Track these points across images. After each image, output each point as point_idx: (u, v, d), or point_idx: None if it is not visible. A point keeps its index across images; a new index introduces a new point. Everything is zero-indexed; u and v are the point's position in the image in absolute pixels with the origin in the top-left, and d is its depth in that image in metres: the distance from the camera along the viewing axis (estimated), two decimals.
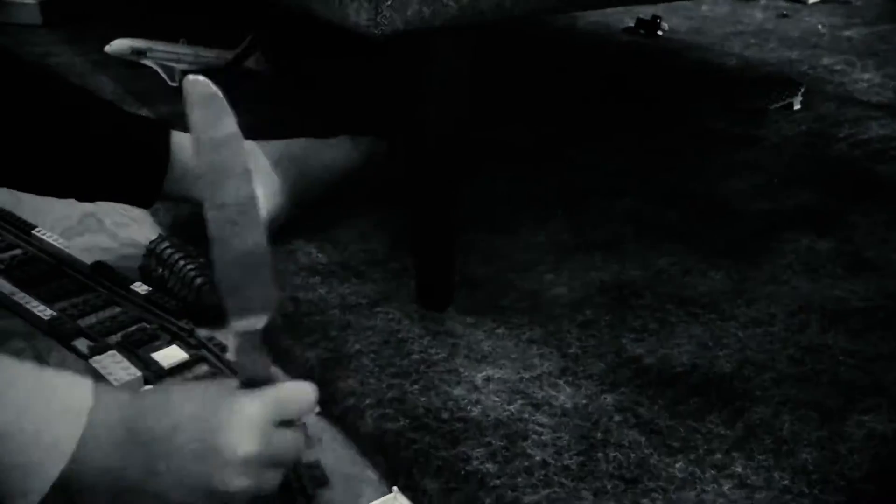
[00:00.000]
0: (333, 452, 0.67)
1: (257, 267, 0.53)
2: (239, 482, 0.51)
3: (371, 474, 0.66)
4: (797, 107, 1.37)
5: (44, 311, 0.80)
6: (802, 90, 1.40)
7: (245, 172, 0.52)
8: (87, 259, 0.89)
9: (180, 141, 0.87)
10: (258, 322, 0.53)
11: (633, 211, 1.02)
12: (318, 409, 0.71)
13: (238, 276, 0.53)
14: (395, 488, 0.60)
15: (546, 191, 1.07)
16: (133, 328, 0.79)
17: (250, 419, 0.52)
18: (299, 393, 0.55)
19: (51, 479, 0.48)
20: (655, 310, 0.83)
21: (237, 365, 0.56)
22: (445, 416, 0.68)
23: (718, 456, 0.65)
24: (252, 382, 0.55)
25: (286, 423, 0.54)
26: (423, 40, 0.71)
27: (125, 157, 0.85)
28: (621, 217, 1.01)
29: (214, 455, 0.51)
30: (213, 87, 0.50)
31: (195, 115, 0.50)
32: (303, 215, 0.98)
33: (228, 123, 0.51)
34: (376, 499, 0.63)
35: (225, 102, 0.50)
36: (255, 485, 0.52)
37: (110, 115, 0.88)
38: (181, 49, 1.47)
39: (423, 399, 0.70)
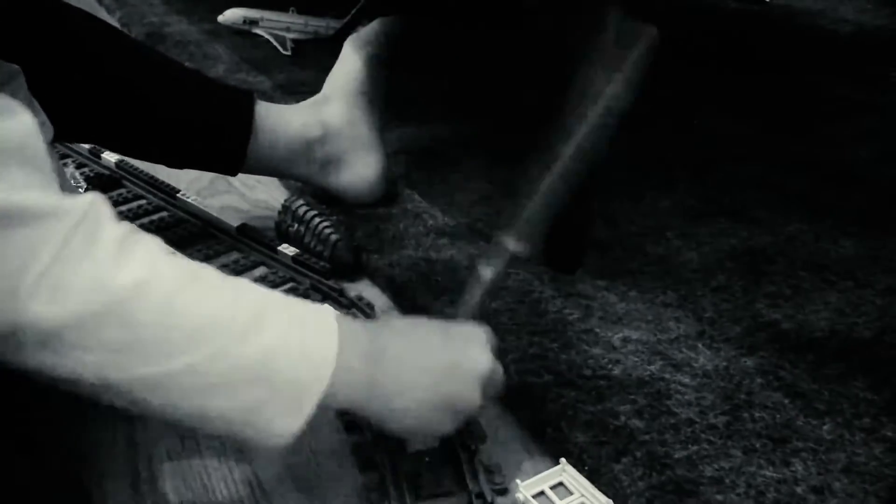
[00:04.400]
0: None
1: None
2: (476, 396, 0.56)
3: (519, 431, 0.68)
4: None
5: None
6: None
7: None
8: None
9: (265, 112, 0.87)
10: (521, 247, 0.63)
11: (758, 178, 1.01)
12: None
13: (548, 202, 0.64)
14: (563, 460, 0.62)
15: (668, 156, 1.07)
16: (285, 287, 0.82)
17: (485, 342, 0.58)
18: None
19: (318, 393, 0.49)
20: (789, 276, 0.83)
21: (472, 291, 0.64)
22: (588, 373, 0.70)
23: (867, 420, 0.65)
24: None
25: None
26: None
27: (209, 123, 0.85)
28: (746, 184, 1.00)
29: (461, 371, 0.56)
30: None
31: None
32: (425, 180, 1.01)
33: None
34: (521, 451, 0.65)
35: None
36: (481, 403, 0.56)
37: (195, 82, 0.88)
38: (291, 18, 1.50)
39: (563, 356, 0.72)
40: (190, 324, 0.47)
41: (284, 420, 0.49)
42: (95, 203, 0.47)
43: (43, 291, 0.43)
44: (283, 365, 0.48)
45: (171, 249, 0.51)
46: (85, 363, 0.45)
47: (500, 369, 0.59)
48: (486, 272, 0.64)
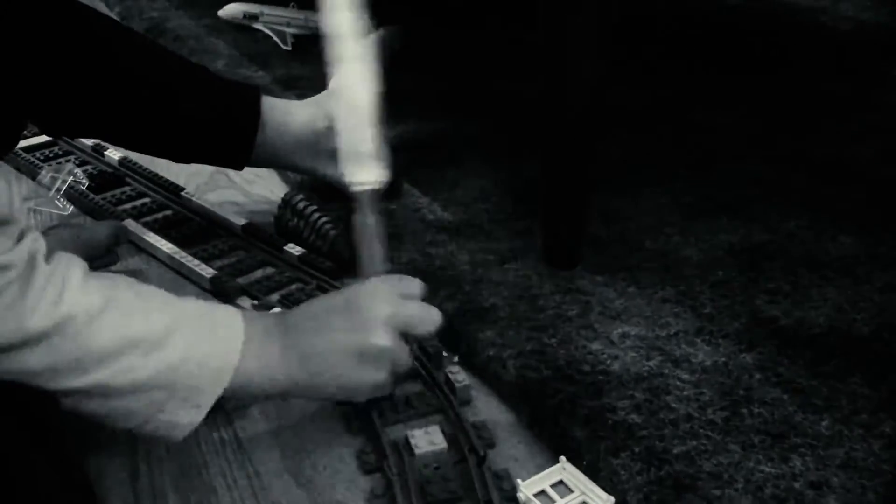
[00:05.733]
0: (479, 401, 0.70)
1: (363, 118, 0.68)
2: (384, 339, 0.60)
3: (516, 426, 0.68)
4: None
5: (205, 270, 0.83)
6: None
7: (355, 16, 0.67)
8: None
9: (271, 105, 0.88)
10: (372, 179, 0.67)
11: (758, 174, 1.01)
12: (456, 358, 0.74)
13: (349, 126, 0.68)
14: (562, 458, 0.62)
15: (667, 153, 1.07)
16: (291, 288, 0.82)
17: (381, 289, 0.63)
18: (410, 279, 0.66)
19: (215, 395, 0.57)
20: (788, 272, 0.83)
21: (358, 241, 0.67)
22: (586, 368, 0.70)
23: (865, 416, 0.65)
24: (372, 273, 0.67)
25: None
26: None
27: (214, 119, 0.86)
28: (746, 180, 1.00)
29: (359, 319, 0.60)
30: None
31: None
32: (425, 175, 1.01)
33: None
34: (519, 446, 0.66)
35: None
36: (395, 347, 0.61)
37: (201, 77, 0.89)
38: (291, 13, 1.50)
39: (562, 352, 0.72)
40: (100, 348, 0.54)
41: (184, 415, 0.56)
42: (32, 250, 0.53)
43: None
44: (183, 376, 0.56)
45: (93, 273, 0.56)
46: (17, 377, 0.53)
47: (409, 310, 0.62)
48: (365, 220, 0.67)
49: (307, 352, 0.60)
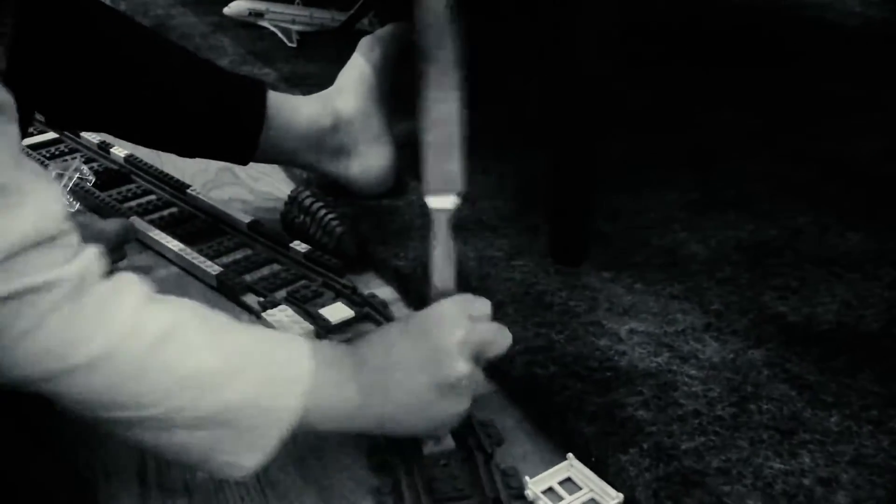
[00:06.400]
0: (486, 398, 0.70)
1: (451, 138, 0.65)
2: (461, 367, 0.57)
3: (524, 422, 0.68)
4: None
5: (211, 267, 0.83)
6: None
7: (453, 42, 0.65)
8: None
9: (277, 101, 0.87)
10: (450, 202, 0.63)
11: (764, 171, 1.01)
12: None
13: (435, 143, 0.63)
14: (569, 455, 0.62)
15: (672, 150, 1.06)
16: (297, 285, 0.82)
17: (450, 312, 0.60)
18: (479, 299, 0.63)
19: (277, 439, 0.54)
20: (795, 269, 0.82)
21: (432, 262, 0.64)
22: (594, 364, 0.70)
23: (875, 412, 0.65)
24: (442, 294, 0.63)
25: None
26: None
27: (220, 113, 0.86)
28: (752, 177, 0.99)
29: (431, 348, 0.57)
30: None
31: None
32: None
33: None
34: (527, 443, 0.65)
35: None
36: (473, 375, 0.58)
37: (207, 71, 0.88)
38: (296, 10, 1.50)
39: (569, 348, 0.72)
40: (158, 383, 0.50)
41: (245, 457, 0.53)
42: (85, 268, 0.49)
43: (22, 354, 0.47)
44: (245, 416, 0.52)
45: (157, 296, 0.53)
46: (64, 404, 0.50)
47: (480, 332, 0.59)
48: (435, 241, 0.64)
49: (387, 390, 0.57)
